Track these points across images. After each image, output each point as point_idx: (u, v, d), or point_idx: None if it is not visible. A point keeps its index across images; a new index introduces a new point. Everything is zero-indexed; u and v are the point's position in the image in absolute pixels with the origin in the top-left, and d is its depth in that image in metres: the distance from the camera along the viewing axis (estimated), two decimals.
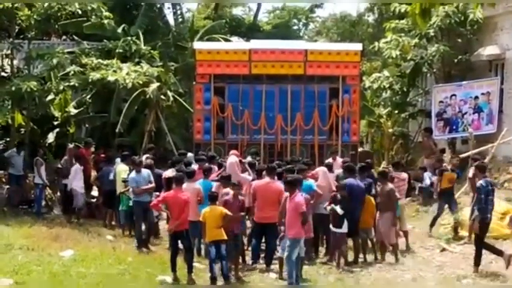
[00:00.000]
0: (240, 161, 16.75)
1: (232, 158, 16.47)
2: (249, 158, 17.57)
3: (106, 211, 19.03)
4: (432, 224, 17.61)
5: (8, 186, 20.69)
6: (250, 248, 14.90)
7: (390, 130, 25.62)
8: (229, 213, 13.32)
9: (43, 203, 20.16)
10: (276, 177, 14.72)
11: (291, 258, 12.90)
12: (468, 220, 16.87)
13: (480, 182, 14.39)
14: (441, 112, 22.92)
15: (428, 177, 20.83)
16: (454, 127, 22.70)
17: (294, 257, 12.91)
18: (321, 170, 16.28)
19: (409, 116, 25.82)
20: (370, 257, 15.33)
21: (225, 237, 13.27)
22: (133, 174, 16.36)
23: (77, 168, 19.19)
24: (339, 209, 14.41)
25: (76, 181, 19.02)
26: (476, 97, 22.16)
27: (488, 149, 20.72)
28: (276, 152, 20.34)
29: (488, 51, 22.24)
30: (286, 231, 13.18)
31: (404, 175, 17.07)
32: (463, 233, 17.03)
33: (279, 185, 14.20)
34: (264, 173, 15.14)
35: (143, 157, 18.58)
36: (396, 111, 25.37)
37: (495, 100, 21.75)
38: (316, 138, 20.67)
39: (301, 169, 15.17)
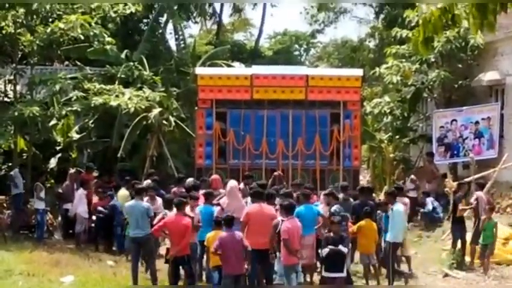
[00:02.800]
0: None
1: (232, 183, 16.38)
2: (241, 185, 17.38)
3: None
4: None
5: (9, 211, 20.68)
6: None
7: (392, 155, 25.62)
8: None
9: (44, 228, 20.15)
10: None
11: (290, 284, 12.81)
12: (470, 245, 16.88)
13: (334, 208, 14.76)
14: (442, 137, 22.92)
15: (430, 202, 20.81)
16: (455, 152, 22.69)
17: (292, 283, 12.81)
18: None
19: (410, 141, 25.86)
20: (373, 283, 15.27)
21: None
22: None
23: (81, 193, 19.22)
24: (324, 250, 13.32)
25: (80, 206, 19.05)
26: (477, 122, 22.17)
27: (490, 174, 20.72)
28: (277, 177, 20.31)
29: (489, 76, 22.31)
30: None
31: (406, 200, 17.05)
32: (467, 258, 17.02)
33: (272, 209, 14.13)
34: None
35: (145, 182, 18.60)
36: (397, 136, 25.40)
37: (496, 125, 21.77)
38: (317, 163, 20.68)
39: (306, 194, 15.16)
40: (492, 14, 7.90)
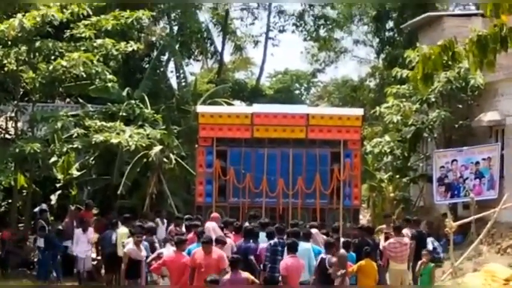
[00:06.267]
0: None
1: (210, 224, 16.55)
2: (246, 223, 17.44)
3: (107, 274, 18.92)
4: None
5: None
6: None
7: (392, 194, 25.62)
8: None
9: None
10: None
11: None
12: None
13: (269, 242, 14.81)
14: (442, 177, 22.94)
15: (430, 242, 20.70)
16: (456, 192, 22.69)
17: None
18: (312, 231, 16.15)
19: (410, 180, 25.85)
20: None
21: None
22: None
23: (79, 233, 19.08)
24: None
25: (78, 246, 18.90)
26: (477, 162, 22.20)
27: (491, 214, 20.66)
28: (277, 216, 20.28)
29: (489, 117, 22.37)
30: None
31: (406, 240, 16.99)
32: None
33: None
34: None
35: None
36: (397, 176, 25.42)
37: (496, 166, 21.78)
38: (317, 202, 20.64)
39: (308, 233, 15.17)
40: (492, 52, 7.95)
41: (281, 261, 14.14)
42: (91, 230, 19.04)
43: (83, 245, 19.01)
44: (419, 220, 18.99)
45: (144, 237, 16.30)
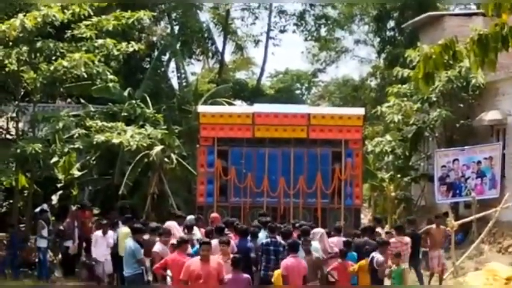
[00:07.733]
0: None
1: (170, 223, 16.53)
2: (255, 222, 17.40)
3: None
4: None
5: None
6: None
7: (393, 194, 25.62)
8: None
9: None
10: None
11: None
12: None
13: (262, 242, 14.80)
14: (444, 176, 22.94)
15: None
16: (457, 191, 22.69)
17: None
18: (318, 231, 16.13)
19: (411, 180, 25.85)
20: None
21: None
22: None
23: (97, 236, 18.82)
24: None
25: (97, 249, 18.69)
26: (479, 162, 22.20)
27: (492, 213, 20.67)
28: (278, 215, 20.28)
29: (490, 116, 22.36)
30: None
31: (407, 239, 16.99)
32: None
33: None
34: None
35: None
36: (398, 175, 25.43)
37: (497, 165, 21.78)
38: (319, 202, 20.63)
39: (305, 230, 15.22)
40: (493, 52, 7.94)
41: (275, 260, 14.18)
42: (110, 233, 18.54)
43: (102, 248, 18.51)
44: (414, 219, 19.04)
45: (148, 236, 16.17)
